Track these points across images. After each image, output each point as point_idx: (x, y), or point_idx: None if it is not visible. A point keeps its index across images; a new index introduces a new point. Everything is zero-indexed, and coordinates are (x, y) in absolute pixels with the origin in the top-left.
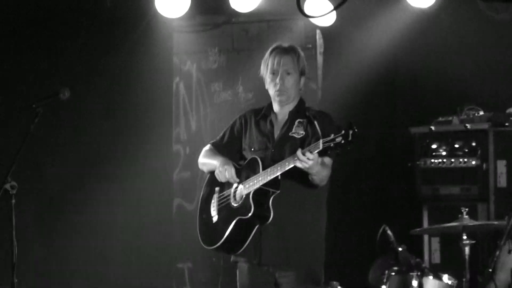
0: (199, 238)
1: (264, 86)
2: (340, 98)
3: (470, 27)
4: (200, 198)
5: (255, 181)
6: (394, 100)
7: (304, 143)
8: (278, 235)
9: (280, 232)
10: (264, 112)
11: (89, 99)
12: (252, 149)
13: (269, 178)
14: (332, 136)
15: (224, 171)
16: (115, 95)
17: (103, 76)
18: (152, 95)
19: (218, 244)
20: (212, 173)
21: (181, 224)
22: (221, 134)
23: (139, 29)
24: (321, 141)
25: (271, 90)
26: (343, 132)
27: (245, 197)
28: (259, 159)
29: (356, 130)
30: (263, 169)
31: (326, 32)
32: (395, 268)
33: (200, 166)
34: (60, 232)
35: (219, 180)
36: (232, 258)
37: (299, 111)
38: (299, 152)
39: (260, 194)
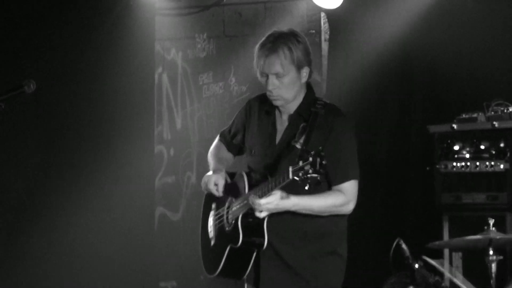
0: (202, 264)
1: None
2: (348, 92)
3: (498, 10)
4: (202, 212)
5: (241, 204)
6: (410, 94)
7: (303, 157)
8: (277, 261)
9: (279, 258)
10: (267, 108)
11: (57, 93)
12: (253, 152)
13: (247, 209)
14: (300, 164)
15: (214, 189)
16: (87, 89)
17: (73, 66)
18: (130, 88)
19: (217, 272)
20: None
21: (164, 237)
22: (230, 123)
23: (115, 12)
24: (290, 169)
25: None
26: (310, 159)
27: (234, 222)
28: (245, 177)
29: (323, 156)
30: (250, 188)
31: (332, 15)
32: (411, 287)
33: None
34: (22, 250)
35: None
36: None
37: (302, 113)
38: (251, 198)
39: (250, 217)
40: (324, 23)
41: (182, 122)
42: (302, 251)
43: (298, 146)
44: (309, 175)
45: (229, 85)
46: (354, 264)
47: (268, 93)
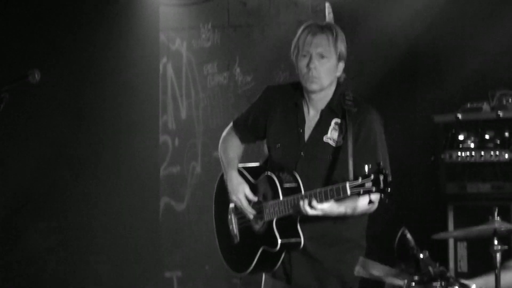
0: (224, 261)
1: (265, 68)
2: (352, 81)
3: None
4: (214, 207)
5: (276, 209)
6: (414, 83)
7: (338, 155)
8: (310, 255)
9: (308, 255)
10: (295, 100)
11: (61, 82)
12: (278, 146)
13: (289, 213)
14: (360, 181)
15: (239, 203)
16: (92, 79)
17: (77, 57)
18: (135, 78)
19: (247, 272)
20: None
21: (169, 227)
22: (245, 112)
23: (120, 2)
24: (347, 184)
25: (301, 77)
26: (372, 177)
27: (267, 224)
28: (276, 181)
29: (387, 174)
30: (284, 192)
31: (337, 6)
32: (416, 277)
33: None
34: (25, 239)
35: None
36: None
37: (335, 109)
38: (303, 205)
39: (285, 219)
40: (328, 14)
41: (187, 112)
42: (330, 249)
43: (332, 143)
44: (371, 193)
45: (233, 75)
46: None
47: (306, 72)
